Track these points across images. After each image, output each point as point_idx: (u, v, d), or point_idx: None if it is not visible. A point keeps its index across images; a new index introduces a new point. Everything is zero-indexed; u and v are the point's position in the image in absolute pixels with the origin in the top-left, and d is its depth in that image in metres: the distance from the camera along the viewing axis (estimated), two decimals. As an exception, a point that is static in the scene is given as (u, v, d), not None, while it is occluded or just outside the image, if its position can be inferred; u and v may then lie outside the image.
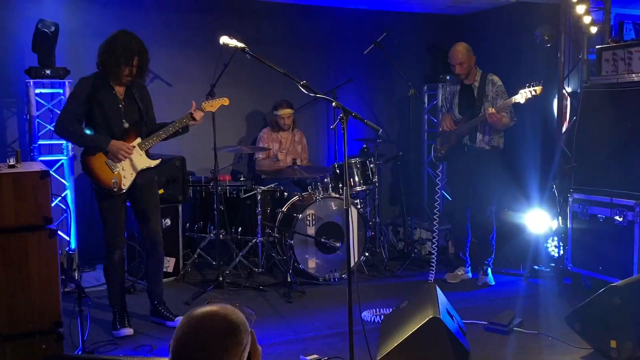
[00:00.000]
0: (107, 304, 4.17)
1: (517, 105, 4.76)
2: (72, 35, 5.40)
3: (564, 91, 5.41)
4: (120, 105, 3.95)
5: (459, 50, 4.94)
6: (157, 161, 4.09)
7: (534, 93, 4.61)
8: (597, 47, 4.98)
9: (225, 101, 4.28)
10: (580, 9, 5.15)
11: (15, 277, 2.85)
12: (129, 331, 4.01)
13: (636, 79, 4.56)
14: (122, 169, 3.92)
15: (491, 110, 4.75)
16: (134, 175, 3.97)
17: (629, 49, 4.66)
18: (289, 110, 5.92)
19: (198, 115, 4.08)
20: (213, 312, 1.60)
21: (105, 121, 3.89)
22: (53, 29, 4.85)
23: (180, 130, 4.07)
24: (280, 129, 5.99)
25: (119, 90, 3.95)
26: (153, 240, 4.14)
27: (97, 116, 3.88)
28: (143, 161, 4.01)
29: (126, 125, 3.96)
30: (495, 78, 4.98)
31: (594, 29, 5.18)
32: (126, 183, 3.94)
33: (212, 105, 4.20)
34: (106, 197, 3.93)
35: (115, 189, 3.90)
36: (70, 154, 5.10)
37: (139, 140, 3.99)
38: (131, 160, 3.95)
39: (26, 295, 2.88)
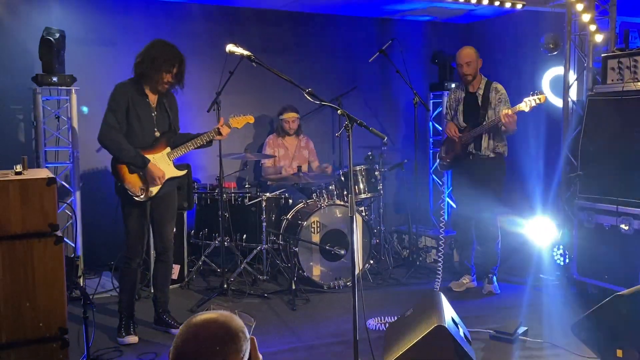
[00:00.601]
0: (112, 310, 4.17)
1: (521, 113, 4.76)
2: (79, 43, 5.43)
3: (569, 99, 5.40)
4: (153, 114, 3.99)
5: (468, 51, 5.01)
6: (184, 172, 4.14)
7: (538, 101, 4.65)
8: (602, 55, 4.98)
9: (251, 119, 4.41)
10: (586, 17, 5.15)
11: (21, 284, 2.86)
12: (133, 339, 4.02)
13: (642, 87, 4.56)
14: None
15: (506, 111, 4.71)
16: (162, 184, 4.00)
17: (634, 57, 4.66)
18: (294, 114, 5.94)
19: (225, 130, 4.15)
20: (212, 319, 1.61)
21: (138, 128, 3.92)
22: (58, 36, 4.88)
23: (205, 143, 4.13)
24: (286, 134, 6.00)
25: (152, 99, 3.99)
26: (165, 245, 4.18)
27: (131, 123, 3.91)
28: (171, 171, 4.05)
29: (157, 134, 4.00)
30: (499, 86, 5.00)
31: (599, 37, 5.18)
32: (153, 191, 3.98)
33: (238, 122, 4.30)
34: (132, 203, 3.95)
35: (142, 196, 3.93)
36: (77, 160, 5.12)
37: (168, 149, 4.04)
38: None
39: (32, 302, 2.89)
